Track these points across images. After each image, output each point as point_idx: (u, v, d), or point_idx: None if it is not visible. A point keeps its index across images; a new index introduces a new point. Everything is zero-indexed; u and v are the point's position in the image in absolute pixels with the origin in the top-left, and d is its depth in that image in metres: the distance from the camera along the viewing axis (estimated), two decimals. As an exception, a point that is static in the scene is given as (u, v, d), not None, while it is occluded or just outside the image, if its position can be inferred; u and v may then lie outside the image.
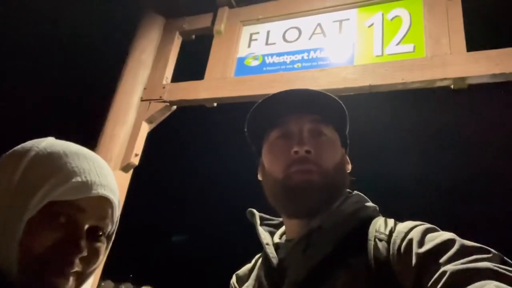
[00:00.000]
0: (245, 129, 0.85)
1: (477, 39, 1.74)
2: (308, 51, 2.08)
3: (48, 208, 0.59)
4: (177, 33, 2.53)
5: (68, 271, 0.60)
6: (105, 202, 0.65)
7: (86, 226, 0.63)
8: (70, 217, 0.61)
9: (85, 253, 0.61)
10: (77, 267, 0.62)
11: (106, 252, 0.69)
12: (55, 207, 0.60)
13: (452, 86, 1.71)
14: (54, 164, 0.63)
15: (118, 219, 0.71)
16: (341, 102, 0.80)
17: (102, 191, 0.64)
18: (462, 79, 1.67)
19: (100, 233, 0.66)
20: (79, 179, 0.62)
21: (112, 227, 0.69)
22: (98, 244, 0.66)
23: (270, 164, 0.79)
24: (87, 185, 0.62)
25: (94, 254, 0.65)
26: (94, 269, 0.66)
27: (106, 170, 0.68)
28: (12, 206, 0.59)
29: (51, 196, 0.59)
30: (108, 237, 0.69)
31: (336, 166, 0.76)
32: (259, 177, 0.85)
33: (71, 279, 0.61)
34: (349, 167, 0.83)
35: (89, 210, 0.63)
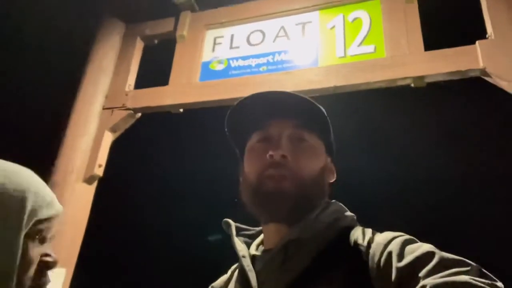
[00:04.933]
0: (226, 130, 0.83)
1: (434, 38, 1.81)
2: (273, 54, 2.09)
3: (34, 226, 0.64)
4: (139, 38, 2.46)
5: (48, 280, 0.67)
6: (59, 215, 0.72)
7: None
8: (49, 232, 0.68)
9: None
10: None
11: None
12: (39, 225, 0.65)
13: (412, 85, 1.78)
14: (24, 185, 0.65)
15: None
16: (321, 107, 0.78)
17: (60, 205, 0.71)
18: (421, 77, 1.74)
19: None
20: (47, 197, 0.67)
21: None
22: None
23: (248, 167, 0.77)
24: (53, 201, 0.68)
25: None
26: None
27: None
28: (11, 227, 0.61)
29: (37, 215, 0.64)
30: None
31: (314, 174, 0.73)
32: (240, 180, 0.82)
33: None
34: (333, 176, 0.80)
35: (54, 223, 0.70)
